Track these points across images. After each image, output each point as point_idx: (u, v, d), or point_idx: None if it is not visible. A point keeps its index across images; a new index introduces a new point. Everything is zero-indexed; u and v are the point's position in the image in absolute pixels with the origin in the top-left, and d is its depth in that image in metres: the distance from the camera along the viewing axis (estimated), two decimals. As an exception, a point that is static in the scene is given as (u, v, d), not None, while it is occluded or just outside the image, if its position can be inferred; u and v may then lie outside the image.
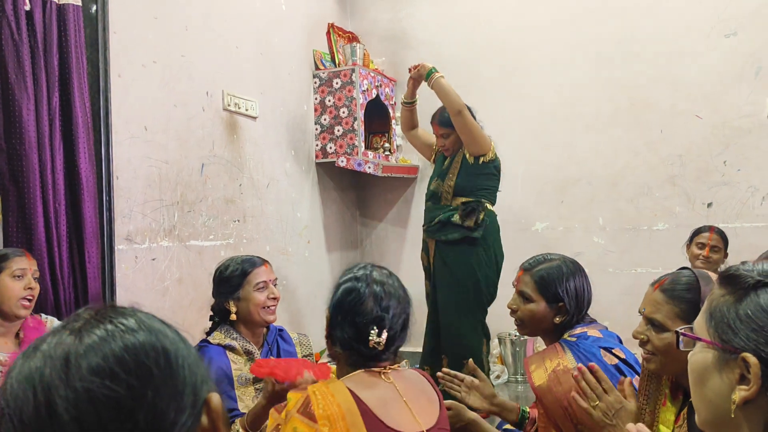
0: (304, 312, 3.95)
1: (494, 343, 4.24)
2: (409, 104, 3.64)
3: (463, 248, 3.29)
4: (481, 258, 3.30)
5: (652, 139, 4.04)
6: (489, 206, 3.35)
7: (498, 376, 4.04)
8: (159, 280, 2.97)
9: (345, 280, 1.55)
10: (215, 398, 0.67)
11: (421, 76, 3.43)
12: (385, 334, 1.48)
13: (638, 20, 4.05)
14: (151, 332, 0.65)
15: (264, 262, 2.34)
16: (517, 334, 4.06)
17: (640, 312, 1.52)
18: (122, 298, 2.77)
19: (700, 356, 0.91)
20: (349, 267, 1.61)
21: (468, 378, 2.15)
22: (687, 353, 1.35)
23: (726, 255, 3.40)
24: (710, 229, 3.41)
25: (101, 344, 0.61)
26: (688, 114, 3.97)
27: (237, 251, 3.39)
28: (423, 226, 3.50)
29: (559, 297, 1.97)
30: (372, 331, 1.47)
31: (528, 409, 2.13)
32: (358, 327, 1.48)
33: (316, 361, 2.51)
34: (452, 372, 2.18)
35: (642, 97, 4.06)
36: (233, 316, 2.25)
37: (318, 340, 3.41)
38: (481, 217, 3.27)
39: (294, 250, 3.97)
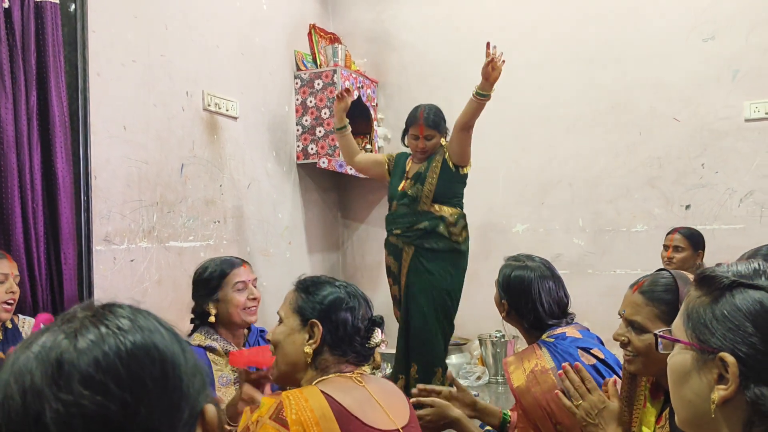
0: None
1: (474, 344, 4.26)
2: (342, 129, 3.55)
3: (445, 257, 3.31)
4: (459, 268, 3.38)
5: (631, 142, 4.08)
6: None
7: (479, 378, 4.05)
8: (138, 282, 2.94)
9: (320, 289, 1.52)
10: (210, 410, 0.64)
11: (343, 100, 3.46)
12: (383, 333, 1.52)
13: (618, 24, 4.09)
14: (147, 338, 0.62)
15: (243, 262, 2.33)
16: (497, 335, 4.08)
17: (620, 314, 1.53)
18: (100, 300, 2.73)
19: (678, 357, 0.92)
20: (305, 279, 1.59)
21: (445, 389, 2.14)
22: (664, 354, 1.36)
23: (698, 255, 3.44)
24: (674, 230, 3.47)
25: (95, 351, 0.59)
26: (666, 117, 4.02)
27: (217, 252, 3.37)
28: (394, 230, 3.41)
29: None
30: (375, 333, 1.51)
31: (510, 413, 2.13)
32: (360, 330, 1.50)
33: None
34: (428, 387, 2.16)
35: (622, 100, 4.10)
36: (212, 318, 2.22)
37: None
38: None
39: (275, 251, 3.96)
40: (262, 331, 2.52)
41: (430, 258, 3.30)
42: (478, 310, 4.13)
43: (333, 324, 1.49)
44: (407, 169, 3.44)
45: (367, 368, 1.56)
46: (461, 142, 3.29)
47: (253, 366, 1.88)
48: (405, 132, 3.45)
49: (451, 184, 3.35)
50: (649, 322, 1.43)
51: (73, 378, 0.57)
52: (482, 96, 3.17)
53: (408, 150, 3.51)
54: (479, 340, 4.17)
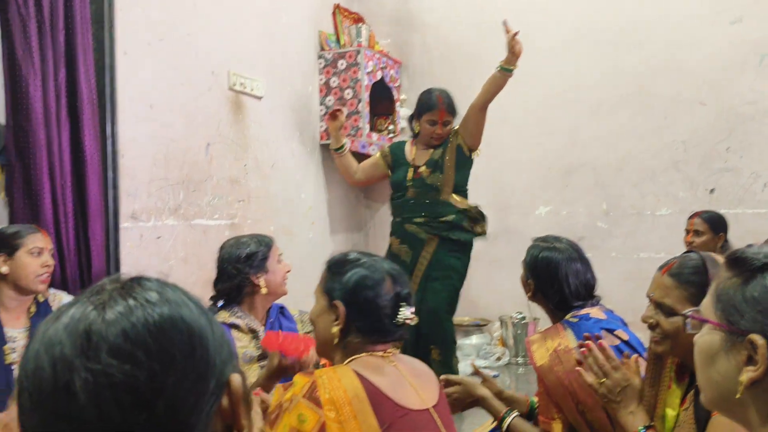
0: (308, 291, 3.94)
1: (495, 325, 4.27)
2: (341, 150, 3.54)
3: (465, 249, 3.34)
4: (470, 256, 3.39)
5: (656, 125, 4.04)
6: None
7: (499, 358, 4.07)
8: (164, 259, 2.99)
9: (348, 269, 1.52)
10: (236, 380, 0.65)
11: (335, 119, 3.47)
12: (412, 309, 1.50)
13: (644, 6, 4.04)
14: (175, 311, 0.62)
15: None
16: (518, 316, 4.09)
17: (648, 296, 1.53)
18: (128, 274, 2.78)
19: (707, 338, 0.92)
20: (335, 258, 1.59)
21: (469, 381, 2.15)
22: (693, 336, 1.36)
23: (719, 238, 3.41)
24: (694, 215, 3.45)
25: (123, 323, 0.59)
26: (692, 100, 3.97)
27: (241, 231, 3.40)
28: (415, 218, 3.33)
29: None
30: (402, 308, 1.49)
31: (536, 400, 2.14)
32: (385, 308, 1.48)
33: None
34: (453, 377, 2.17)
35: (647, 83, 4.05)
36: (264, 290, 2.28)
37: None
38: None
39: (298, 231, 3.99)
40: (282, 307, 2.55)
41: (453, 249, 3.30)
42: (498, 291, 4.15)
43: (357, 305, 1.48)
44: (412, 156, 3.38)
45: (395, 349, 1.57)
46: (479, 123, 3.29)
47: (282, 352, 1.90)
48: (416, 117, 3.38)
49: (466, 171, 3.35)
50: (678, 305, 1.43)
51: (101, 348, 0.58)
52: (508, 71, 3.17)
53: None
54: (500, 321, 4.19)
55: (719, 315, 0.90)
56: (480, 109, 3.25)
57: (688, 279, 1.43)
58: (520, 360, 4.07)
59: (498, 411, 2.00)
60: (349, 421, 1.34)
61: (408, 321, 1.50)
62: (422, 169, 3.33)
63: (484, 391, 2.01)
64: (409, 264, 3.30)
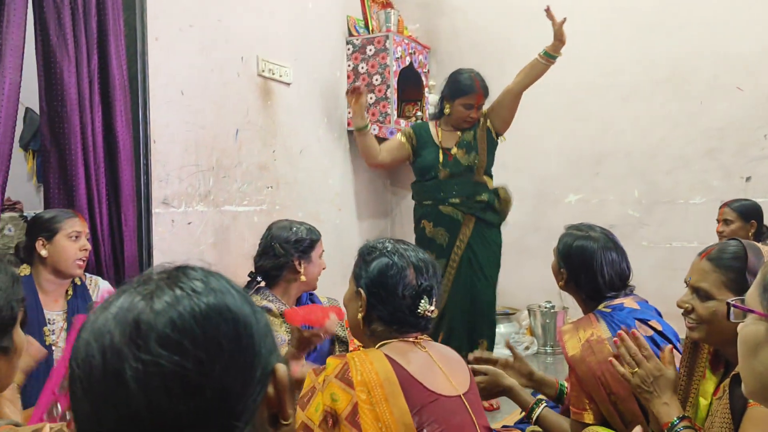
0: (334, 278, 3.97)
1: (523, 314, 4.25)
2: (365, 128, 3.33)
3: (496, 231, 3.31)
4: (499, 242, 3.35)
5: (691, 112, 3.96)
6: None
7: (527, 348, 4.05)
8: (194, 244, 3.01)
9: (376, 257, 1.53)
10: (281, 369, 0.66)
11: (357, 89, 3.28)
12: (434, 303, 1.51)
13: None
14: (220, 300, 0.64)
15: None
16: (547, 306, 4.06)
17: (685, 282, 1.51)
18: (159, 261, 2.81)
19: (751, 328, 0.90)
20: (370, 244, 1.60)
21: (502, 358, 2.14)
22: (731, 323, 1.34)
23: (750, 226, 3.34)
24: (724, 204, 3.39)
25: (171, 313, 0.60)
26: (729, 86, 3.88)
27: (270, 218, 3.41)
28: (450, 199, 3.26)
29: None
30: (423, 301, 1.49)
31: (566, 384, 2.12)
32: (406, 298, 1.49)
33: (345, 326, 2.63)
34: (485, 354, 2.17)
35: (682, 68, 3.97)
36: (303, 277, 2.39)
37: (348, 306, 3.44)
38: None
39: (325, 217, 3.99)
40: (311, 294, 2.58)
41: (487, 231, 3.26)
42: (527, 280, 4.12)
43: (377, 294, 1.50)
44: (439, 138, 3.31)
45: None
46: (513, 109, 3.26)
47: (307, 324, 1.95)
48: (448, 99, 3.28)
49: (493, 154, 3.32)
50: (715, 289, 1.41)
51: (150, 338, 0.59)
52: (552, 58, 3.16)
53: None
54: (528, 310, 4.16)
55: (766, 305, 0.88)
56: (516, 94, 3.22)
57: (726, 264, 1.41)
58: (548, 349, 4.05)
59: (526, 402, 1.98)
60: (380, 404, 1.35)
61: (427, 313, 1.50)
62: (455, 150, 3.27)
63: (511, 381, 1.99)
64: (446, 247, 3.24)
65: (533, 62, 3.18)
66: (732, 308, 0.97)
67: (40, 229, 2.18)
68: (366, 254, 1.57)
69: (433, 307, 1.51)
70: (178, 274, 0.65)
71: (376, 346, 1.49)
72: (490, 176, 3.32)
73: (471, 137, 3.27)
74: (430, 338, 1.57)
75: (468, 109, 3.23)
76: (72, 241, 2.18)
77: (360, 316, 1.52)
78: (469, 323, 3.21)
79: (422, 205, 3.35)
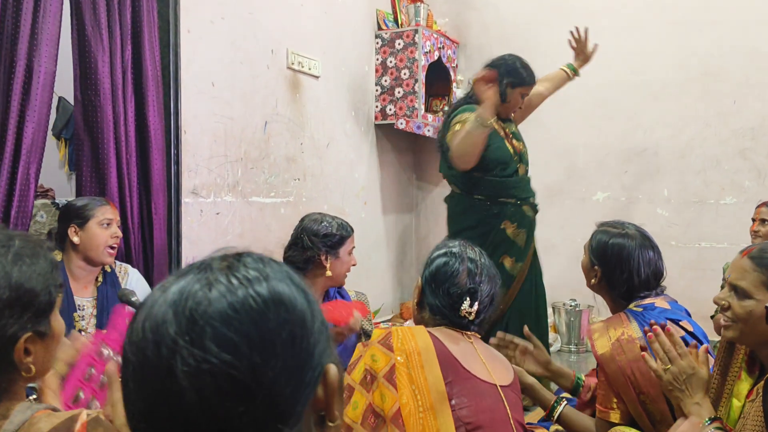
0: (360, 272, 3.97)
1: (548, 311, 4.21)
2: (489, 126, 2.79)
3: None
4: None
5: (723, 111, 3.89)
6: None
7: (550, 345, 4.02)
8: (222, 234, 3.04)
9: (440, 254, 1.65)
10: (332, 370, 0.64)
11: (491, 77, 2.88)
12: (476, 306, 1.59)
13: (715, -15, 3.88)
14: (278, 296, 0.62)
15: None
16: (572, 303, 4.03)
17: (725, 279, 1.49)
18: (187, 251, 2.84)
19: None
20: (443, 243, 1.73)
21: (522, 343, 2.13)
22: (765, 324, 1.32)
23: None
24: (762, 203, 3.33)
25: (227, 308, 0.59)
26: (762, 85, 3.81)
27: (296, 209, 3.44)
28: (531, 198, 3.05)
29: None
30: (465, 301, 1.59)
31: (583, 377, 2.10)
32: (452, 296, 1.60)
33: (372, 319, 2.67)
34: (508, 336, 2.17)
35: (715, 67, 3.90)
36: (329, 273, 2.35)
37: (373, 300, 3.45)
38: None
39: (351, 210, 4.00)
40: (339, 288, 2.59)
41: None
42: (552, 277, 4.08)
43: (430, 286, 1.63)
44: (496, 126, 2.95)
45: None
46: (536, 106, 3.28)
47: (331, 323, 1.96)
48: (510, 87, 2.95)
49: None
50: (753, 288, 1.39)
51: (205, 334, 0.58)
52: (577, 74, 3.25)
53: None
54: (553, 307, 4.12)
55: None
56: (544, 99, 3.22)
57: (766, 263, 1.39)
58: (572, 347, 4.02)
59: (547, 400, 1.97)
60: (416, 368, 1.47)
61: (466, 313, 1.60)
62: (515, 142, 3.03)
63: (531, 379, 1.98)
64: (523, 249, 2.99)
65: (560, 73, 3.20)
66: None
67: (72, 216, 2.21)
68: (435, 250, 1.70)
69: (473, 309, 1.59)
70: (236, 264, 0.63)
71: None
72: None
73: (515, 128, 3.09)
74: (477, 336, 1.64)
75: (523, 99, 3.03)
76: (104, 229, 2.21)
77: (415, 301, 1.69)
78: (539, 329, 3.02)
79: (500, 203, 2.96)
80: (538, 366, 2.11)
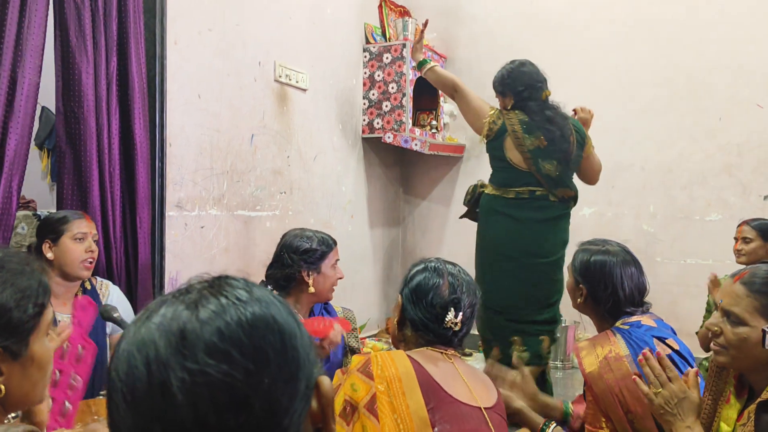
0: (346, 286, 3.95)
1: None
2: None
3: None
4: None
5: (710, 127, 3.92)
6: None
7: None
8: (207, 248, 3.00)
9: (419, 270, 1.64)
10: (326, 382, 0.65)
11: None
12: (460, 315, 1.58)
13: (702, 3, 3.91)
14: (266, 310, 0.62)
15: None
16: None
17: (716, 304, 1.48)
18: (171, 265, 2.80)
19: None
20: (420, 260, 1.71)
21: (510, 375, 2.11)
22: (760, 350, 1.31)
23: None
24: (743, 222, 3.34)
25: (218, 321, 0.59)
26: (748, 102, 3.83)
27: (283, 223, 3.41)
28: None
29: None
30: (449, 312, 1.57)
31: (571, 406, 2.09)
32: (435, 308, 1.58)
33: (358, 335, 2.64)
34: (496, 369, 2.14)
35: (701, 83, 3.93)
36: (311, 289, 2.31)
37: (359, 314, 3.42)
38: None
39: (337, 223, 3.98)
40: (326, 303, 2.56)
41: None
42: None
43: (411, 301, 1.61)
44: None
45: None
46: None
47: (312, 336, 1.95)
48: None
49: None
50: (747, 314, 1.37)
51: (197, 347, 0.57)
52: None
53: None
54: (539, 323, 4.11)
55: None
56: None
57: (759, 289, 1.38)
58: (558, 364, 4.00)
59: (536, 423, 1.95)
60: (397, 396, 1.44)
61: (451, 324, 1.58)
62: None
63: (520, 404, 1.96)
64: None
65: None
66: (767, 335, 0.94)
67: (46, 231, 2.17)
68: (413, 267, 1.69)
69: (458, 320, 1.58)
70: (221, 283, 0.64)
71: (404, 351, 1.56)
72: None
73: None
74: (458, 354, 1.62)
75: None
76: (78, 243, 2.16)
77: (396, 320, 1.66)
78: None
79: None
80: (525, 398, 2.09)
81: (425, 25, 3.32)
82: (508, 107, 2.95)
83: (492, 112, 2.95)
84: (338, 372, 1.55)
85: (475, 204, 3.08)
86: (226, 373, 0.56)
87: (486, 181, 3.06)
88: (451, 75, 3.16)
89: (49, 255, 2.14)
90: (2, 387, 0.97)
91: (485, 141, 2.96)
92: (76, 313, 2.14)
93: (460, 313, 1.58)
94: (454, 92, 3.08)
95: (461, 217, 3.22)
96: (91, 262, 2.20)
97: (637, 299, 1.95)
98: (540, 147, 2.85)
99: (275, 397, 0.59)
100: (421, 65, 3.21)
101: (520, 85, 2.92)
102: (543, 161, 2.86)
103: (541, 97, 2.94)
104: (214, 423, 0.55)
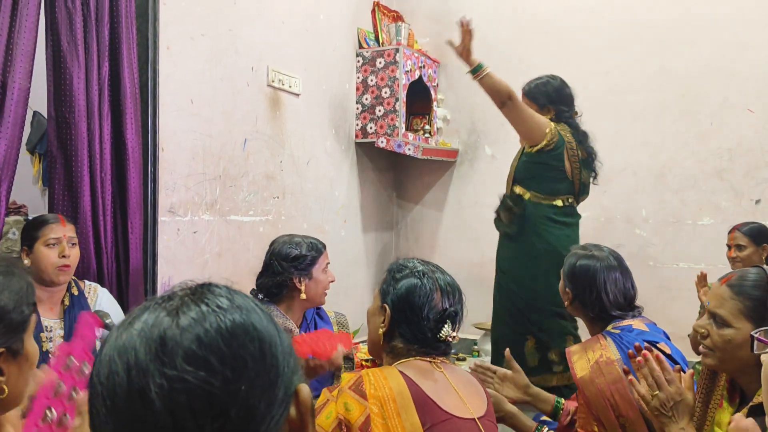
0: (339, 291, 3.94)
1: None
2: None
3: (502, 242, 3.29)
4: (517, 253, 3.17)
5: (701, 131, 3.93)
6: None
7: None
8: (199, 254, 2.99)
9: (404, 276, 1.55)
10: (304, 390, 0.65)
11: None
12: (458, 329, 1.52)
13: (694, 7, 3.93)
14: (246, 317, 0.63)
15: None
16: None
17: (704, 306, 1.49)
18: (163, 271, 2.79)
19: None
20: (398, 263, 1.61)
21: (501, 370, 2.13)
22: (745, 352, 1.31)
23: (762, 249, 3.30)
24: (733, 229, 3.34)
25: (197, 329, 0.60)
26: (740, 107, 3.85)
27: (275, 228, 3.40)
28: None
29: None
30: (446, 326, 1.50)
31: (563, 400, 2.10)
32: (431, 321, 1.50)
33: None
34: (485, 364, 2.17)
35: (693, 88, 3.94)
36: (303, 295, 2.29)
37: (352, 319, 3.42)
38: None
39: (330, 228, 3.97)
40: (318, 309, 2.55)
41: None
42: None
43: (402, 312, 1.51)
44: None
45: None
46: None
47: (313, 356, 1.93)
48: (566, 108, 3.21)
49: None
50: (731, 317, 1.38)
51: (176, 354, 0.58)
52: None
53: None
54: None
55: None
56: None
57: (746, 292, 1.39)
58: (551, 367, 4.00)
59: (528, 427, 1.96)
60: (392, 418, 1.38)
61: (449, 338, 1.52)
62: None
63: (512, 408, 1.97)
64: None
65: None
66: (756, 340, 0.95)
67: (23, 238, 2.15)
68: (396, 272, 1.58)
69: (455, 333, 1.52)
70: (203, 291, 0.65)
71: (393, 365, 1.50)
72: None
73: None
74: (448, 361, 1.57)
75: None
76: (50, 249, 2.12)
77: (381, 331, 1.54)
78: None
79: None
80: (517, 391, 2.10)
81: (469, 23, 3.13)
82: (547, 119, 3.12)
83: (552, 124, 3.10)
84: (325, 390, 1.48)
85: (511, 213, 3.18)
86: (204, 380, 0.57)
87: (515, 190, 3.19)
88: (506, 82, 3.06)
89: (27, 261, 2.12)
90: (5, 387, 1.00)
91: (535, 150, 3.07)
92: (80, 328, 2.13)
93: (457, 325, 1.53)
94: (508, 100, 3.00)
95: (500, 229, 3.26)
96: (66, 267, 2.15)
97: (622, 304, 1.97)
98: (582, 159, 3.13)
99: (252, 403, 0.59)
100: (476, 70, 3.05)
101: (564, 105, 3.15)
102: (584, 172, 3.16)
103: (573, 115, 3.21)
104: (191, 429, 0.56)
